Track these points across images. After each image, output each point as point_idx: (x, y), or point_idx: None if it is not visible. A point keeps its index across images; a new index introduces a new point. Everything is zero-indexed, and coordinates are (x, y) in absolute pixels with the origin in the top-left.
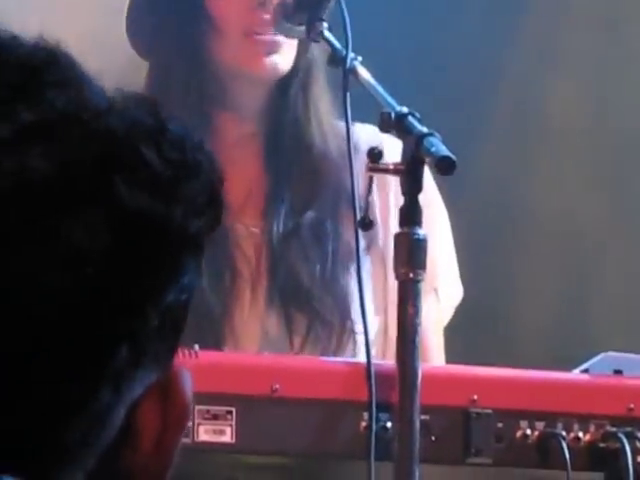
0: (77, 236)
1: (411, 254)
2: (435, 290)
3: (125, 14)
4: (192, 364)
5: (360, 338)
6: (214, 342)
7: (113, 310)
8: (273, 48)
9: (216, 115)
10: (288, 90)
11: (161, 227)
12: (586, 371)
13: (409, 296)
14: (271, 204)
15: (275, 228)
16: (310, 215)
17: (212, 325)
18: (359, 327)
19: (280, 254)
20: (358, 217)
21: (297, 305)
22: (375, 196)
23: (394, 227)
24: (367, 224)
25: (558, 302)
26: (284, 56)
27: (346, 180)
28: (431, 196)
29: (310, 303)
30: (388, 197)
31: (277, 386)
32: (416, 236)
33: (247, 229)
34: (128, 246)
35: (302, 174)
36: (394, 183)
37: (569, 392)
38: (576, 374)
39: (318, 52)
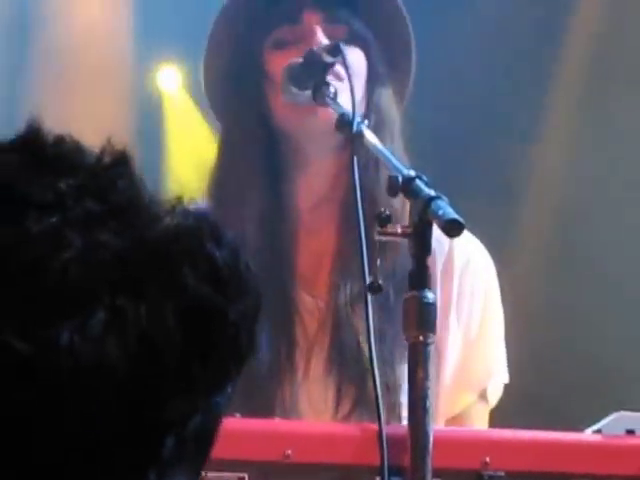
0: (142, 317)
1: (421, 317)
2: (484, 392)
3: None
4: None
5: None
6: (264, 410)
7: (168, 397)
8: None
9: (288, 179)
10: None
11: (220, 318)
12: (599, 431)
13: (419, 359)
14: (339, 276)
15: (342, 300)
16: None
17: (263, 393)
18: (405, 412)
19: (345, 323)
20: (367, 281)
21: (351, 375)
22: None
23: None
24: (376, 289)
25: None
26: (341, 105)
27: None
28: (491, 292)
29: (364, 377)
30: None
31: (289, 452)
32: (425, 299)
33: (314, 301)
34: (191, 333)
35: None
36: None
37: (582, 453)
38: (588, 434)
39: (389, 102)
